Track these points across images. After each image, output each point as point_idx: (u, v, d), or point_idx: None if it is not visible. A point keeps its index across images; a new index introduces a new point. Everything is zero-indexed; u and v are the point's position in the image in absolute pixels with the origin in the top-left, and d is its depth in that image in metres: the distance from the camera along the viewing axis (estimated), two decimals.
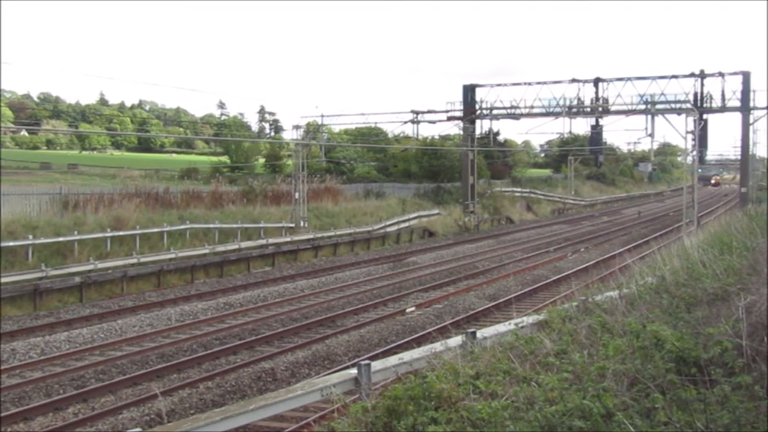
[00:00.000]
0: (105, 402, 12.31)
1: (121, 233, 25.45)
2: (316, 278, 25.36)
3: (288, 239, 31.41)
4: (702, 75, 40.22)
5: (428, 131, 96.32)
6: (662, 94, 39.88)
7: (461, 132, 48.35)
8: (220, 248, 27.75)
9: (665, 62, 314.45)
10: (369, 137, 57.27)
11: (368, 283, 24.39)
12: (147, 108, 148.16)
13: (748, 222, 15.71)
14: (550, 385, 5.11)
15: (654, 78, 40.40)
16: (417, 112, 46.39)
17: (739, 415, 4.16)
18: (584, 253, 32.38)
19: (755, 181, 49.73)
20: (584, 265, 27.09)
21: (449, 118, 47.13)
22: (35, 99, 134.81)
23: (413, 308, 19.75)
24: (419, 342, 14.23)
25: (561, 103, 42.72)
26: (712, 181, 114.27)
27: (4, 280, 19.74)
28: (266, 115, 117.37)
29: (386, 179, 53.14)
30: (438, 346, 8.15)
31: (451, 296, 21.57)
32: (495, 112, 45.90)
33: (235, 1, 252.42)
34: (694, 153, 34.20)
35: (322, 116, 48.23)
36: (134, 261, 24.14)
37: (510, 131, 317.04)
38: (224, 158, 60.75)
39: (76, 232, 23.83)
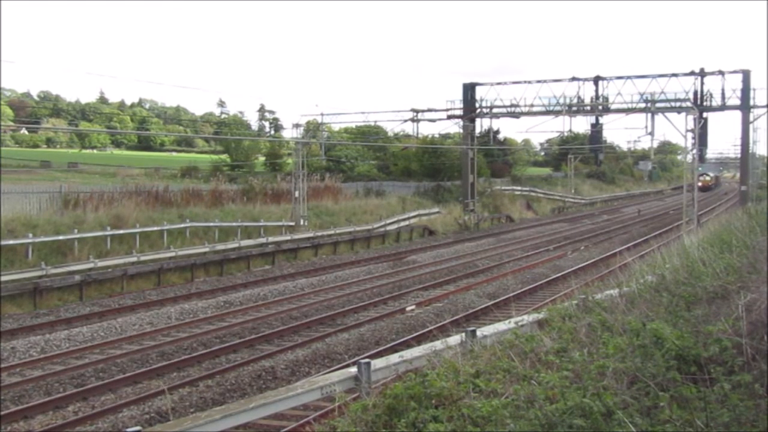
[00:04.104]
0: (105, 400, 12.31)
1: (121, 232, 25.45)
2: (316, 277, 25.37)
3: (288, 238, 31.41)
4: (702, 73, 40.19)
5: (428, 130, 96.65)
6: (662, 92, 39.85)
7: (461, 130, 48.33)
8: (220, 247, 27.75)
9: (665, 61, 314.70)
10: (369, 136, 57.22)
11: (368, 282, 24.39)
12: (147, 106, 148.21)
13: (748, 220, 15.70)
14: (550, 383, 5.12)
15: (654, 76, 40.37)
16: (417, 111, 46.34)
17: (739, 414, 4.16)
18: (584, 251, 32.38)
19: (755, 180, 49.67)
20: (584, 264, 27.09)
21: (449, 117, 47.10)
22: (35, 97, 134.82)
23: (413, 307, 19.76)
24: (419, 340, 14.25)
25: (561, 101, 42.68)
26: (699, 184, 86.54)
27: (4, 278, 19.74)
28: (266, 114, 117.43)
29: (386, 178, 53.12)
30: (438, 344, 8.17)
31: (451, 295, 21.57)
32: (495, 110, 45.88)
33: (235, 1, 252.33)
34: (694, 151, 34.17)
35: (322, 114, 48.21)
36: (134, 259, 24.15)
37: (510, 130, 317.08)
38: (224, 156, 60.72)
39: (76, 231, 23.84)
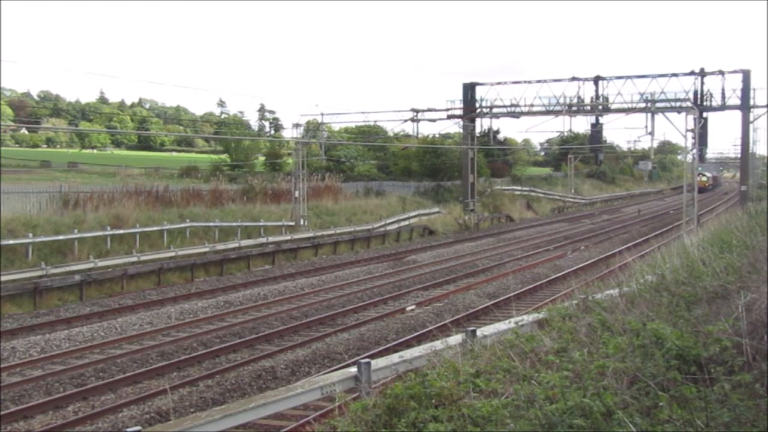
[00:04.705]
0: (105, 400, 12.31)
1: (121, 231, 25.45)
2: (316, 276, 25.36)
3: (288, 237, 31.40)
4: (702, 73, 40.19)
5: (428, 129, 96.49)
6: (662, 92, 39.85)
7: (461, 130, 48.31)
8: (220, 246, 27.74)
9: (665, 60, 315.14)
10: (369, 135, 57.20)
11: (368, 282, 24.39)
12: (147, 106, 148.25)
13: (748, 220, 15.69)
14: (550, 383, 5.11)
15: (654, 76, 40.38)
16: (417, 111, 46.32)
17: (739, 413, 4.15)
18: (584, 251, 32.38)
19: (755, 180, 49.66)
20: (584, 264, 27.09)
21: (449, 117, 47.08)
22: (35, 97, 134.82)
23: (413, 306, 19.75)
24: (419, 340, 14.24)
25: (561, 101, 42.67)
26: None
27: (4, 278, 19.74)
28: (266, 114, 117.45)
29: (386, 177, 53.11)
30: (438, 344, 8.16)
31: (451, 294, 21.56)
32: (495, 110, 45.86)
33: (235, 1, 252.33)
34: (694, 151, 34.16)
35: (322, 114, 48.12)
36: (134, 259, 24.14)
37: (510, 129, 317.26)
38: (224, 156, 60.71)
39: (76, 231, 23.83)
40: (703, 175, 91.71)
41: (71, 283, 21.37)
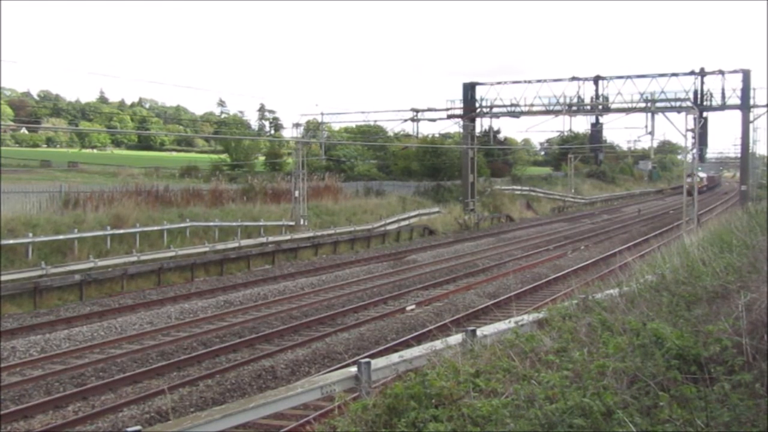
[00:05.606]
0: (105, 400, 12.31)
1: (121, 231, 25.44)
2: (316, 276, 25.35)
3: (288, 237, 31.40)
4: (702, 73, 40.18)
5: (428, 129, 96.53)
6: (662, 92, 39.84)
7: (461, 130, 48.31)
8: (220, 246, 27.74)
9: (665, 60, 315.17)
10: (369, 135, 57.21)
11: (368, 281, 24.38)
12: (147, 106, 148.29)
13: (748, 220, 15.68)
14: (550, 383, 5.11)
15: (654, 76, 40.37)
16: (417, 110, 46.30)
17: (739, 413, 4.15)
18: (584, 251, 32.37)
19: (755, 179, 49.63)
20: (584, 263, 27.09)
21: (449, 116, 47.07)
22: (35, 97, 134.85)
23: (413, 306, 19.75)
24: (419, 340, 14.23)
25: (561, 101, 42.67)
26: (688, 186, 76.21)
27: (4, 278, 19.73)
28: (266, 113, 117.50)
29: (386, 177, 53.12)
30: (438, 344, 8.16)
31: (451, 294, 21.56)
32: (495, 110, 45.86)
33: (235, 1, 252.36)
34: (694, 151, 34.16)
35: (322, 114, 48.07)
36: (134, 259, 24.13)
37: (510, 129, 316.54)
38: (224, 156, 60.76)
39: (76, 230, 23.83)
40: (700, 176, 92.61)
41: (71, 282, 21.36)
